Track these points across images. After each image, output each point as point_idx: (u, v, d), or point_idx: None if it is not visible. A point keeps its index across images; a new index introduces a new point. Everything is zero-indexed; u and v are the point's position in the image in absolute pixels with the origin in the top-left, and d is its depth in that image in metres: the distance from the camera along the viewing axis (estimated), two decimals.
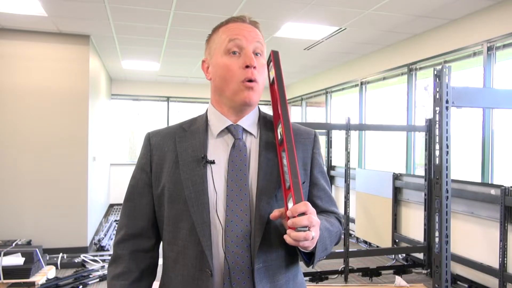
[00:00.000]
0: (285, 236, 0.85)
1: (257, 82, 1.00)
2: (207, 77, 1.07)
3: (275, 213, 0.90)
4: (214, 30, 1.06)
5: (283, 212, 0.89)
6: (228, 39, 0.99)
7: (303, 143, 1.08)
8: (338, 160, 5.78)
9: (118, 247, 1.06)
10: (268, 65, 1.08)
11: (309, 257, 0.96)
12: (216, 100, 1.06)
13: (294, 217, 0.84)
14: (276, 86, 1.03)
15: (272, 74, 1.05)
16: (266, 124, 1.07)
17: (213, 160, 0.99)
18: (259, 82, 1.01)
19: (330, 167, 5.85)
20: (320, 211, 1.06)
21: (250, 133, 1.05)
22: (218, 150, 1.02)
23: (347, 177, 4.03)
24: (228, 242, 0.94)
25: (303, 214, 0.84)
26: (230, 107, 1.03)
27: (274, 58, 1.05)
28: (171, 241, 1.00)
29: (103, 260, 4.50)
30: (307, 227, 0.83)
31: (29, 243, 4.38)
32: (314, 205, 1.03)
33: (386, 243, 4.73)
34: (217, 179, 0.98)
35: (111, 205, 7.95)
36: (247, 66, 0.98)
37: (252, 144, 1.04)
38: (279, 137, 1.01)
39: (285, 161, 0.95)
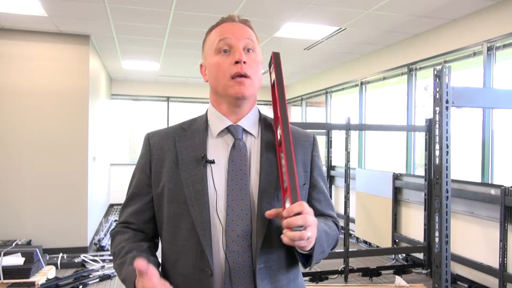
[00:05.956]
0: (282, 236, 0.85)
1: (248, 77, 1.00)
2: (204, 79, 1.08)
3: (271, 211, 0.90)
4: (207, 33, 1.08)
5: (279, 212, 0.89)
6: (218, 39, 1.01)
7: (303, 145, 1.09)
8: (338, 160, 5.78)
9: (118, 230, 1.06)
10: (269, 67, 1.09)
11: (306, 259, 0.96)
12: (215, 100, 1.07)
13: (290, 217, 0.84)
14: (276, 87, 1.03)
15: (273, 75, 1.05)
16: (266, 125, 1.08)
17: (213, 160, 1.00)
18: (252, 77, 1.01)
19: (330, 167, 5.85)
20: (318, 214, 1.06)
21: (251, 134, 1.05)
22: (218, 150, 1.02)
23: (347, 177, 4.03)
24: (229, 241, 0.94)
25: (298, 214, 0.84)
26: (227, 103, 1.03)
27: (274, 60, 1.05)
28: (171, 240, 1.00)
29: (103, 260, 4.49)
30: (302, 226, 0.83)
31: (29, 243, 4.38)
32: (312, 207, 1.03)
33: (386, 243, 4.73)
34: (217, 179, 0.98)
35: (111, 205, 7.94)
36: (236, 62, 0.99)
37: (252, 145, 1.04)
38: (278, 138, 1.01)
39: (283, 162, 0.95)
